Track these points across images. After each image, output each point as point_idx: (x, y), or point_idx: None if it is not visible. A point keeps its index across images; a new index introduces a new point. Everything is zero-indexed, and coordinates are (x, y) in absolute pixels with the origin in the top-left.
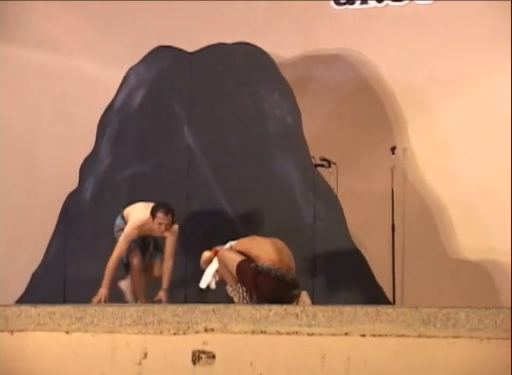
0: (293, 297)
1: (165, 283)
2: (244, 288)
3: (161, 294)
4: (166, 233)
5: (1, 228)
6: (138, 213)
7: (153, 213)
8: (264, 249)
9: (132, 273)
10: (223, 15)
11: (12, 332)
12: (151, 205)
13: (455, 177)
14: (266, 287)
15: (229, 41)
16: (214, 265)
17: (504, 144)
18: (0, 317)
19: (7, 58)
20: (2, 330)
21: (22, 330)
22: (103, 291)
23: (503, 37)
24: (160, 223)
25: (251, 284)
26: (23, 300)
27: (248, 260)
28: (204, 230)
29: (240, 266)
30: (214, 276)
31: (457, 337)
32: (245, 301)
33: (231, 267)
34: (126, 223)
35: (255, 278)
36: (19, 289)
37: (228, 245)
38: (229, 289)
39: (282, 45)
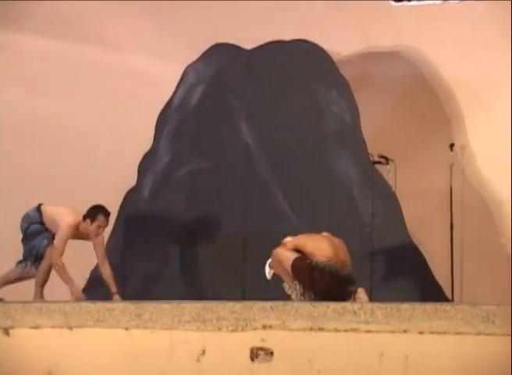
0: (349, 293)
1: (112, 288)
2: (301, 285)
3: (117, 298)
4: (95, 240)
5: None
6: (68, 217)
7: (92, 216)
8: (320, 246)
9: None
10: (281, 12)
11: (71, 328)
12: (77, 209)
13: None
14: (321, 284)
15: (287, 38)
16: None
17: None
18: (60, 313)
19: (66, 57)
20: (62, 327)
21: (81, 327)
22: (74, 289)
23: None
24: (99, 226)
25: (306, 281)
26: None
27: (303, 257)
28: (261, 228)
29: (295, 263)
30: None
31: None
32: (302, 298)
33: (286, 265)
34: (41, 219)
35: (310, 275)
36: (79, 286)
37: (286, 240)
38: (286, 287)
39: (340, 42)
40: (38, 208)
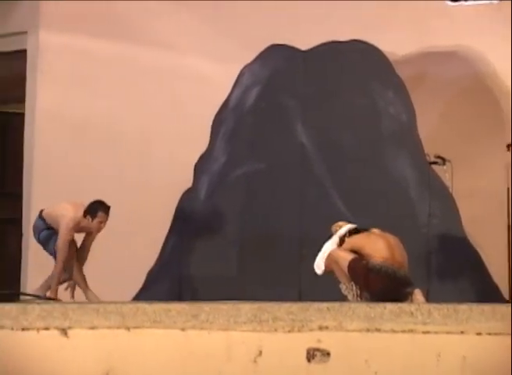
0: (405, 295)
1: (83, 284)
2: (357, 287)
3: (92, 294)
4: (93, 235)
5: (118, 227)
6: (69, 213)
7: (92, 212)
8: (376, 247)
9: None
10: (336, 12)
11: (128, 329)
12: (78, 203)
13: None
14: (378, 285)
15: (343, 38)
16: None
17: None
18: (117, 314)
19: (121, 58)
20: (119, 327)
21: (138, 327)
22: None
23: None
24: (101, 222)
25: (362, 282)
26: (139, 297)
27: (359, 258)
28: (317, 228)
29: (351, 264)
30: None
31: None
32: (358, 299)
33: (343, 266)
34: (47, 224)
35: (366, 276)
36: (136, 287)
37: (344, 230)
38: (342, 287)
39: (396, 43)
40: (40, 215)
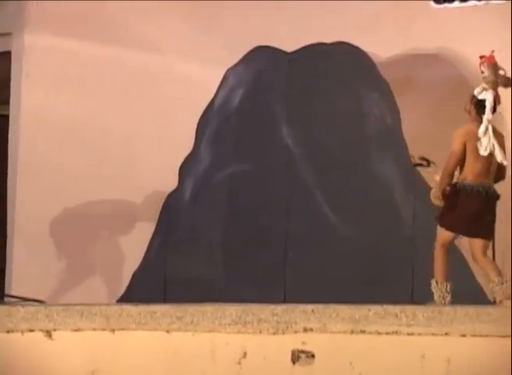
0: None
1: None
2: (448, 287)
3: None
4: None
5: (103, 228)
6: None
7: None
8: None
9: None
10: (322, 14)
11: (113, 331)
12: None
13: None
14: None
15: (328, 40)
16: None
17: None
18: (101, 316)
19: (106, 60)
20: (104, 329)
21: (123, 329)
22: None
23: None
24: None
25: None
26: (124, 299)
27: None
28: (303, 230)
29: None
30: None
31: None
32: (444, 301)
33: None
34: None
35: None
36: (120, 288)
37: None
38: (433, 284)
39: (381, 45)
40: None
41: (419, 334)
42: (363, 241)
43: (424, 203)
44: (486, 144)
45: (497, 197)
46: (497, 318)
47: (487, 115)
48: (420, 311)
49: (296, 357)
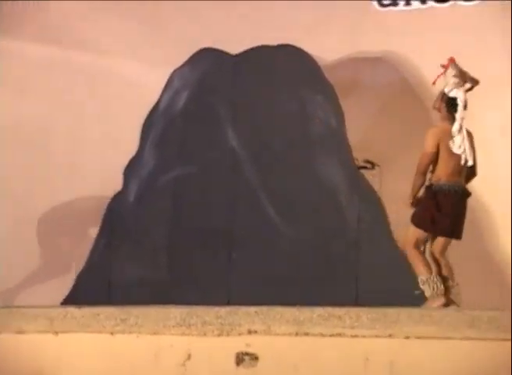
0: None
1: None
2: (439, 278)
3: None
4: None
5: (46, 229)
6: None
7: None
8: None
9: None
10: (267, 17)
11: (56, 333)
12: None
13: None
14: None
15: (273, 43)
16: None
17: None
18: (45, 318)
19: (50, 61)
20: (47, 332)
21: (66, 332)
22: None
23: None
24: None
25: (435, 208)
26: (67, 301)
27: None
28: (247, 232)
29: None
30: None
31: (504, 339)
32: (438, 293)
33: (409, 243)
34: None
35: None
36: (64, 290)
37: None
38: (420, 281)
39: (325, 48)
40: None
41: (363, 336)
42: (307, 243)
43: (369, 206)
44: (460, 142)
45: (469, 195)
46: (440, 320)
47: (460, 112)
48: (364, 313)
49: (240, 359)
